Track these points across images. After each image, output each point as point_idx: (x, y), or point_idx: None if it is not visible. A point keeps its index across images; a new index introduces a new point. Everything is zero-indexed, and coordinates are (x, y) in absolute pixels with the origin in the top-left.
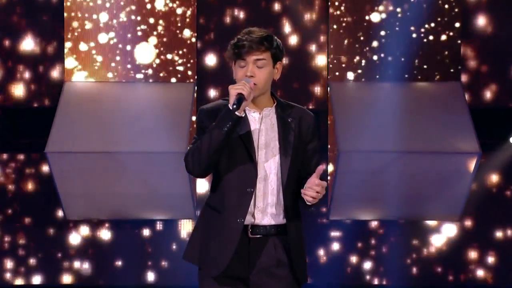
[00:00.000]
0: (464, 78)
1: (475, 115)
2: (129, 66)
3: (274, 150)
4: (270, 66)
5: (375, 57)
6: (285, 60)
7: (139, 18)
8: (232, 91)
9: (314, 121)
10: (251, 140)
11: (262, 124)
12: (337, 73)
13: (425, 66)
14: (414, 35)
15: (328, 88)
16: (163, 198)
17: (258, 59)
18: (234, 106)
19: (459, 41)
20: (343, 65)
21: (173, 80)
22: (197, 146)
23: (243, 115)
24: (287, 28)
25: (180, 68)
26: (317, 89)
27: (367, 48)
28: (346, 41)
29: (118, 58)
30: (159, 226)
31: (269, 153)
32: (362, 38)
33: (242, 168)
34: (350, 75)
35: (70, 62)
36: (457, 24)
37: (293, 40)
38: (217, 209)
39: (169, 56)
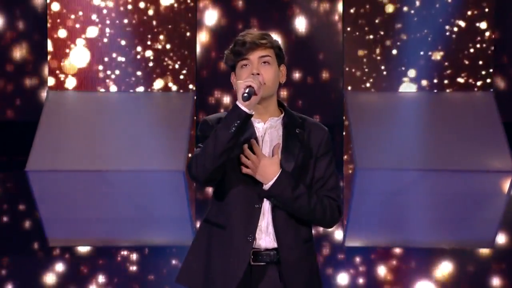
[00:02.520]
0: (497, 87)
1: (509, 128)
2: (118, 73)
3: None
4: (276, 65)
5: (396, 64)
6: (297, 74)
7: (134, 21)
8: (240, 85)
9: (327, 136)
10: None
11: (267, 135)
12: (353, 81)
13: (453, 74)
14: (441, 40)
15: (344, 98)
16: (158, 222)
17: (262, 56)
18: (245, 95)
19: (492, 48)
20: (361, 73)
21: (171, 88)
22: (202, 149)
23: (253, 113)
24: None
25: (179, 76)
26: (331, 99)
27: (388, 54)
28: (364, 47)
29: (107, 65)
30: (152, 252)
31: None
32: (381, 42)
33: (249, 182)
34: (369, 84)
35: (53, 68)
36: (485, 27)
37: (306, 44)
38: (220, 225)
39: (166, 64)
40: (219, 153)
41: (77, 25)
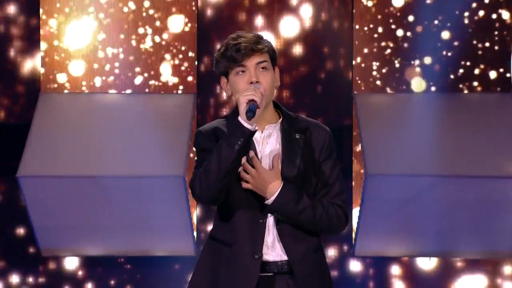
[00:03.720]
0: None
1: None
2: (116, 71)
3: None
4: (272, 70)
5: (409, 60)
6: (301, 72)
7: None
8: (242, 99)
9: (329, 137)
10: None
11: (266, 145)
12: (363, 82)
13: (468, 74)
14: (456, 36)
15: (353, 99)
16: (157, 231)
17: (260, 62)
18: (249, 114)
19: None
20: (371, 72)
21: (171, 89)
22: (205, 168)
23: (256, 129)
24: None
25: (178, 77)
26: (338, 99)
27: (399, 52)
28: (375, 44)
29: (103, 65)
30: (151, 263)
31: None
32: (393, 40)
33: (252, 198)
34: (380, 84)
35: (46, 69)
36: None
37: (312, 42)
38: (225, 243)
39: (166, 64)
40: (224, 173)
41: (71, 22)
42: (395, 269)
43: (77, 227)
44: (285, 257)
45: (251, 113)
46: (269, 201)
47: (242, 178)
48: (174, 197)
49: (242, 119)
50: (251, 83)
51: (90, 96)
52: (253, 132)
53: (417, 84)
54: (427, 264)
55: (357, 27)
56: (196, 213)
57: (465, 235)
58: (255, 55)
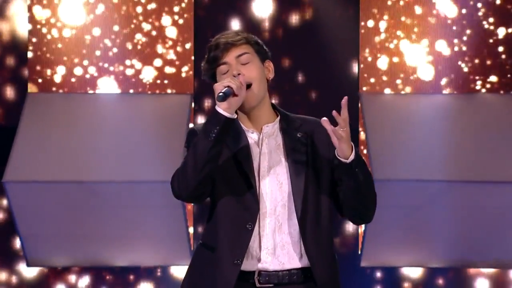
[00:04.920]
0: None
1: None
2: (109, 70)
3: (281, 177)
4: (258, 61)
5: (418, 61)
6: (301, 73)
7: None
8: (217, 86)
9: None
10: (250, 166)
11: (264, 145)
12: (370, 81)
13: (483, 72)
14: (468, 32)
15: (359, 100)
16: (151, 239)
17: (239, 55)
18: (220, 95)
19: None
20: (379, 72)
21: (165, 90)
22: (183, 162)
23: (235, 116)
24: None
25: (174, 76)
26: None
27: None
28: (380, 40)
29: (95, 63)
30: (145, 273)
31: (273, 181)
32: (402, 37)
33: (241, 201)
34: (387, 85)
35: (34, 66)
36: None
37: (318, 43)
38: (210, 247)
39: (160, 62)
40: (201, 165)
41: (61, 21)
42: (404, 279)
43: (67, 236)
44: (287, 266)
45: (222, 95)
46: (352, 155)
47: (334, 132)
48: (169, 204)
49: (218, 107)
50: (234, 76)
51: (80, 96)
52: (230, 119)
53: (428, 84)
54: (440, 273)
55: (362, 23)
56: (193, 220)
57: (478, 243)
58: (234, 48)
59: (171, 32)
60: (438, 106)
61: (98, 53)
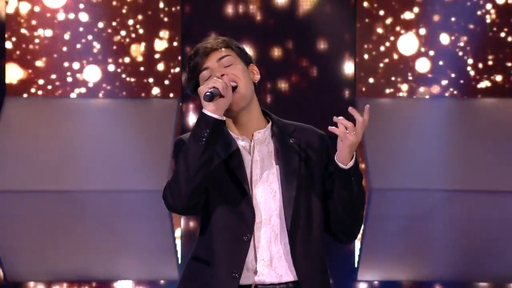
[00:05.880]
0: None
1: None
2: (93, 75)
3: (274, 185)
4: (241, 64)
5: (418, 65)
6: (294, 74)
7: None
8: (202, 88)
9: (327, 138)
10: (243, 175)
11: (256, 153)
12: (367, 85)
13: (486, 75)
14: (470, 32)
15: (355, 104)
16: (137, 252)
17: (220, 58)
18: (207, 94)
19: None
20: (375, 76)
21: (152, 93)
22: (174, 172)
23: (223, 118)
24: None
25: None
26: (339, 105)
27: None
28: (378, 40)
29: (77, 68)
30: None
31: (266, 190)
32: (401, 39)
33: (236, 211)
34: (385, 89)
35: (12, 71)
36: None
37: (315, 45)
38: (204, 261)
39: (146, 67)
40: (194, 172)
41: (41, 20)
42: None
43: (48, 248)
44: (285, 278)
45: (209, 94)
46: (351, 163)
47: (340, 136)
48: (156, 215)
49: (205, 110)
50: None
51: (62, 101)
52: (220, 121)
53: (427, 88)
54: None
55: (358, 25)
56: (180, 232)
57: (481, 256)
58: (214, 52)
59: (159, 40)
60: (437, 111)
61: (81, 59)
